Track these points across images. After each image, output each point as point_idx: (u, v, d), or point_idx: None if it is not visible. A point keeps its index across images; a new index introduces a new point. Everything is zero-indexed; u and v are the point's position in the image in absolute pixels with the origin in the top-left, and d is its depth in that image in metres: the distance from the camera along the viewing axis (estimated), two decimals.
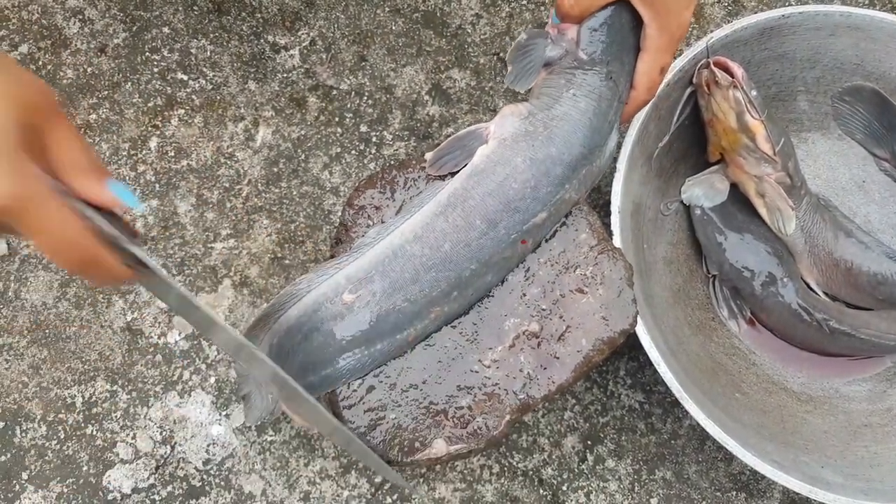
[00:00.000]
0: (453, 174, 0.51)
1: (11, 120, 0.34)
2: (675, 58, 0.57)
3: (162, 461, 0.62)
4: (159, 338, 0.65)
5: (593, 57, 0.50)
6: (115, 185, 0.37)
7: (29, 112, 0.35)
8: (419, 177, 0.52)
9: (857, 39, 0.65)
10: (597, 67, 0.50)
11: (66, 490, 0.61)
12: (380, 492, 0.62)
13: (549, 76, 0.52)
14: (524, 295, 0.50)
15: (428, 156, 0.51)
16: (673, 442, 0.64)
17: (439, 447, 0.47)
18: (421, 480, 0.62)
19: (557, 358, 0.49)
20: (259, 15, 0.74)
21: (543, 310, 0.50)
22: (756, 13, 0.63)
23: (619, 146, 0.57)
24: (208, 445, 0.62)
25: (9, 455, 0.61)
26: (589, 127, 0.50)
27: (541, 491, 0.63)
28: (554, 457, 0.63)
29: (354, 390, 0.48)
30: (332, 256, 0.52)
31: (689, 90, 0.63)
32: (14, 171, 0.33)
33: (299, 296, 0.49)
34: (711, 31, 0.71)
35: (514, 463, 0.63)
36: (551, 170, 0.49)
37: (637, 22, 0.50)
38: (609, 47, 0.51)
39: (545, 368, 0.49)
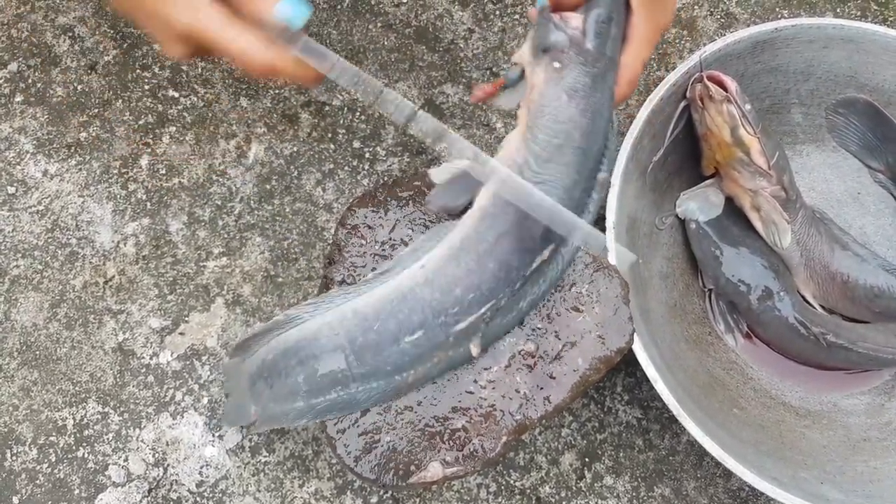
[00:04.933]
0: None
1: None
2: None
3: (155, 483, 0.61)
4: (151, 358, 0.64)
5: (602, 51, 0.49)
6: (282, 4, 0.42)
7: None
8: (413, 195, 0.52)
9: (849, 52, 0.65)
10: (602, 63, 0.49)
11: None
12: None
13: (551, 77, 0.49)
14: None
15: (430, 194, 0.51)
16: (671, 458, 0.64)
17: (435, 470, 0.46)
18: (418, 501, 0.61)
19: (554, 378, 0.48)
20: None
21: (539, 328, 0.50)
22: (749, 26, 0.63)
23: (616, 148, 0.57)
24: (201, 467, 0.62)
25: None
26: (596, 151, 0.49)
27: None
28: (552, 474, 0.63)
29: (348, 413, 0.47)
30: (325, 277, 0.51)
31: (682, 104, 0.62)
32: (194, 7, 0.41)
33: (303, 319, 0.48)
34: (704, 45, 0.71)
35: (512, 482, 0.62)
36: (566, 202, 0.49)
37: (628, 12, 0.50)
38: (616, 41, 0.49)
39: (541, 388, 0.48)
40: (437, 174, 0.51)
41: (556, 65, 0.48)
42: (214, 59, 0.73)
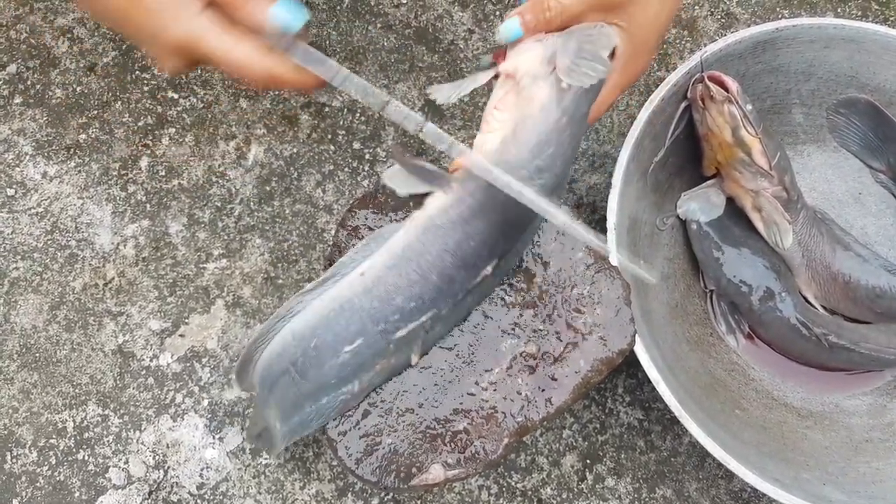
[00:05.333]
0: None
1: None
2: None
3: (155, 486, 0.61)
4: (151, 360, 0.64)
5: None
6: (277, 8, 0.40)
7: None
8: (413, 196, 0.52)
9: (850, 52, 0.65)
10: (597, 90, 0.47)
11: None
12: None
13: (556, 95, 0.46)
14: (521, 315, 0.50)
15: (388, 172, 0.49)
16: (673, 459, 0.64)
17: (436, 472, 0.46)
18: (419, 503, 0.61)
19: (555, 379, 0.48)
20: None
21: (540, 330, 0.49)
22: (749, 26, 0.63)
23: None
24: (202, 469, 0.61)
25: None
26: (563, 181, 0.48)
27: None
28: (553, 476, 0.63)
29: (349, 416, 0.47)
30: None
31: (683, 105, 0.62)
32: (185, 17, 0.39)
33: (257, 353, 0.48)
34: (705, 45, 0.71)
35: (513, 483, 0.62)
36: (510, 231, 0.47)
37: None
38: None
39: (543, 390, 0.48)
40: (390, 177, 0.50)
41: (564, 85, 0.46)
42: None
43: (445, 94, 0.49)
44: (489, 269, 0.47)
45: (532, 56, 0.47)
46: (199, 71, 0.72)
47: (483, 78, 0.49)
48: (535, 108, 0.46)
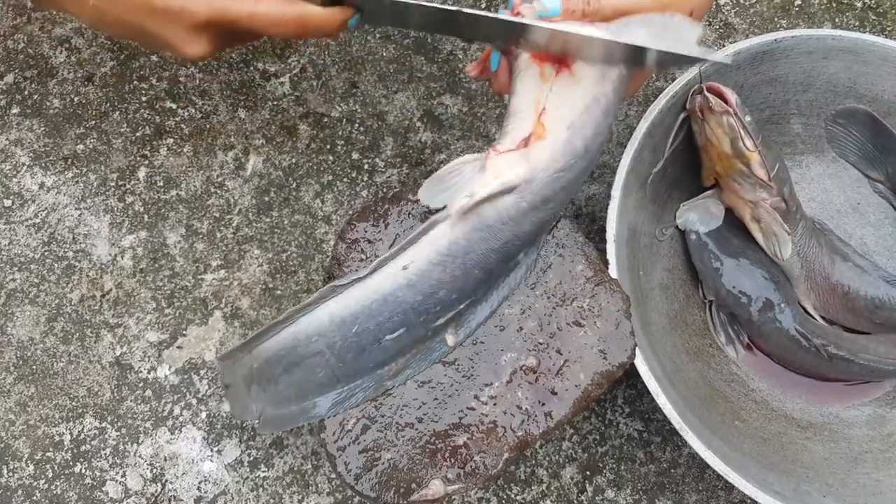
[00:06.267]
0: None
1: None
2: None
3: (153, 499, 0.61)
4: (149, 372, 0.64)
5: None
6: None
7: None
8: (413, 209, 0.52)
9: (849, 62, 0.65)
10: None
11: None
12: None
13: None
14: (521, 329, 0.49)
15: (424, 186, 0.48)
16: (673, 471, 0.64)
17: (436, 488, 0.46)
18: None
19: (555, 393, 0.48)
20: (248, 43, 0.74)
21: (540, 344, 0.49)
22: (747, 37, 0.63)
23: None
24: (200, 482, 0.61)
25: None
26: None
27: None
28: (553, 488, 0.62)
29: (348, 430, 0.47)
30: None
31: (682, 115, 0.62)
32: None
33: (276, 330, 0.48)
34: None
35: (513, 496, 0.62)
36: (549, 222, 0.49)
37: None
38: None
39: (543, 404, 0.48)
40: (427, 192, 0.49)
41: (625, 71, 0.47)
42: (212, 71, 0.73)
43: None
44: (521, 255, 0.49)
45: (594, 39, 0.45)
46: (197, 81, 0.72)
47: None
48: (605, 83, 0.45)
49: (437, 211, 0.48)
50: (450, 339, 0.49)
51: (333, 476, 0.61)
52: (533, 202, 0.46)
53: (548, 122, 0.45)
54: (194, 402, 0.63)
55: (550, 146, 0.45)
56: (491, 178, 0.45)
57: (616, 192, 0.58)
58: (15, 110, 0.71)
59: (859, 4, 0.78)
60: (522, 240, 0.48)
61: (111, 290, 0.66)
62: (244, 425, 0.62)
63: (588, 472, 0.63)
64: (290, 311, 0.48)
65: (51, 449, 0.62)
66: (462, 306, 0.48)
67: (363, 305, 0.47)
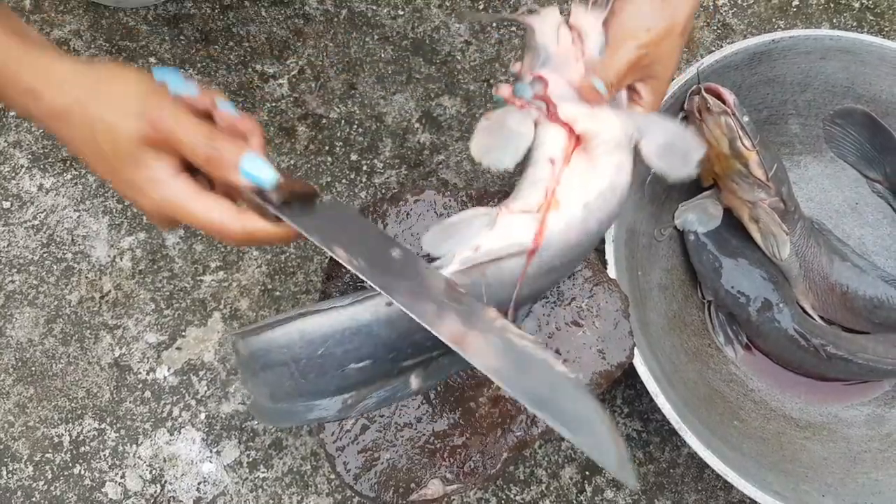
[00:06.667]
0: None
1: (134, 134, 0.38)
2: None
3: (152, 500, 0.61)
4: (148, 374, 0.64)
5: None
6: (247, 163, 0.39)
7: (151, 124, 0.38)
8: (411, 210, 0.52)
9: (846, 63, 0.65)
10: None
11: None
12: None
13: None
14: (519, 328, 0.49)
15: (430, 234, 0.46)
16: (672, 471, 0.64)
17: (435, 488, 0.46)
18: None
19: None
20: (247, 44, 0.74)
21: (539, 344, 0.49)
22: (745, 37, 0.63)
23: None
24: (199, 483, 0.61)
25: None
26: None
27: None
28: (552, 488, 0.62)
29: (347, 430, 0.47)
30: (322, 292, 0.51)
31: (680, 116, 0.62)
32: (161, 184, 0.39)
33: (258, 332, 0.47)
34: (701, 56, 0.71)
35: (512, 496, 0.62)
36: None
37: None
38: None
39: None
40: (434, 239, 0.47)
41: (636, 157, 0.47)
42: (211, 73, 0.73)
43: (495, 159, 0.46)
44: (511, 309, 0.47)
45: (614, 127, 0.46)
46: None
47: (525, 129, 0.46)
48: (621, 174, 0.46)
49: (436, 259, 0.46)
50: (414, 382, 0.47)
51: (333, 476, 0.61)
52: (539, 269, 0.45)
53: (561, 197, 0.45)
54: (193, 403, 0.63)
55: (566, 220, 0.45)
56: (501, 236, 0.44)
57: None
58: (13, 112, 0.71)
59: (857, 5, 0.78)
60: (517, 304, 0.46)
61: (110, 291, 0.66)
62: (243, 426, 0.62)
63: (587, 472, 0.63)
64: (278, 315, 0.48)
65: (50, 450, 0.62)
66: (435, 353, 0.46)
67: (335, 330, 0.45)
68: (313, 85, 0.73)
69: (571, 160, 0.46)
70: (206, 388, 0.63)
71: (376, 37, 0.75)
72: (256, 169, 0.39)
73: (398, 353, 0.45)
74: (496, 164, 0.45)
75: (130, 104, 0.38)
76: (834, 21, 0.78)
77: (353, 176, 0.70)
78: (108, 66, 0.39)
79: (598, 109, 0.46)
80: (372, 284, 0.41)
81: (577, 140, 0.46)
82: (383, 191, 0.70)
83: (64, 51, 0.72)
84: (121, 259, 0.67)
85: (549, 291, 0.50)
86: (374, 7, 0.75)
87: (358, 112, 0.72)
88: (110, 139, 0.38)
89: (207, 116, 0.42)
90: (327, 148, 0.71)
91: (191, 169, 0.41)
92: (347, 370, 0.46)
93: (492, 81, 0.74)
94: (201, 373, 0.64)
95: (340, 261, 0.41)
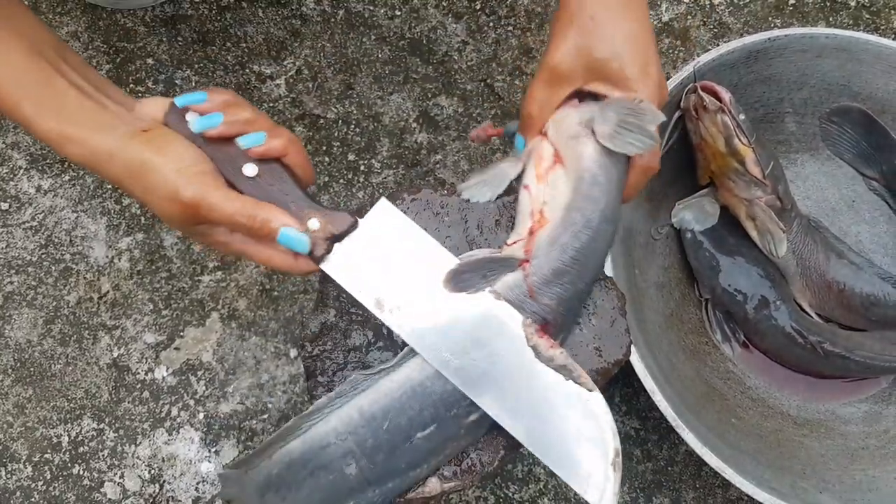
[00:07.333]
0: None
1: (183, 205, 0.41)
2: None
3: (151, 500, 0.61)
4: (146, 374, 0.64)
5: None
6: (282, 238, 0.43)
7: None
8: (408, 209, 0.52)
9: (843, 61, 0.65)
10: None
11: None
12: None
13: (602, 156, 0.46)
14: None
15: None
16: (670, 468, 0.64)
17: (433, 485, 0.46)
18: None
19: None
20: (244, 45, 0.74)
21: None
22: (741, 35, 0.64)
23: None
24: (198, 483, 0.61)
25: None
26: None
27: None
28: (550, 486, 0.62)
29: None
30: (320, 292, 0.51)
31: (677, 114, 0.63)
32: (216, 242, 0.43)
33: (304, 428, 0.45)
34: (698, 55, 0.71)
35: (510, 494, 0.62)
36: None
37: None
38: None
39: None
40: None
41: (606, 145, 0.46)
42: (208, 74, 0.73)
43: (477, 191, 0.49)
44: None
45: (569, 120, 0.46)
46: (193, 83, 0.72)
47: (512, 171, 0.48)
48: (582, 160, 0.46)
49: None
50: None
51: None
52: (544, 277, 0.46)
53: (547, 212, 0.47)
54: (192, 403, 0.63)
55: (550, 226, 0.46)
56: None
57: None
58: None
59: (853, 3, 0.79)
60: (556, 324, 0.46)
61: (108, 292, 0.66)
62: (241, 426, 0.63)
63: None
64: (309, 408, 0.46)
65: (49, 450, 0.62)
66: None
67: (392, 398, 0.45)
68: (310, 85, 0.73)
69: (549, 178, 0.47)
70: (204, 387, 0.63)
71: (373, 37, 0.75)
72: (290, 243, 0.43)
73: (458, 407, 0.45)
74: (478, 198, 0.48)
75: (169, 191, 0.40)
76: (830, 19, 0.78)
77: (350, 176, 0.70)
78: (140, 148, 0.41)
79: (564, 110, 0.47)
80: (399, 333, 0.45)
81: (556, 155, 0.47)
82: (381, 190, 0.70)
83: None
84: (119, 260, 0.67)
85: (586, 302, 0.49)
86: (371, 7, 0.75)
87: (355, 112, 0.72)
88: (166, 219, 0.42)
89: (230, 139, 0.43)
90: (325, 148, 0.71)
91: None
92: (415, 441, 0.44)
93: (489, 81, 0.74)
94: (199, 373, 0.64)
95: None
